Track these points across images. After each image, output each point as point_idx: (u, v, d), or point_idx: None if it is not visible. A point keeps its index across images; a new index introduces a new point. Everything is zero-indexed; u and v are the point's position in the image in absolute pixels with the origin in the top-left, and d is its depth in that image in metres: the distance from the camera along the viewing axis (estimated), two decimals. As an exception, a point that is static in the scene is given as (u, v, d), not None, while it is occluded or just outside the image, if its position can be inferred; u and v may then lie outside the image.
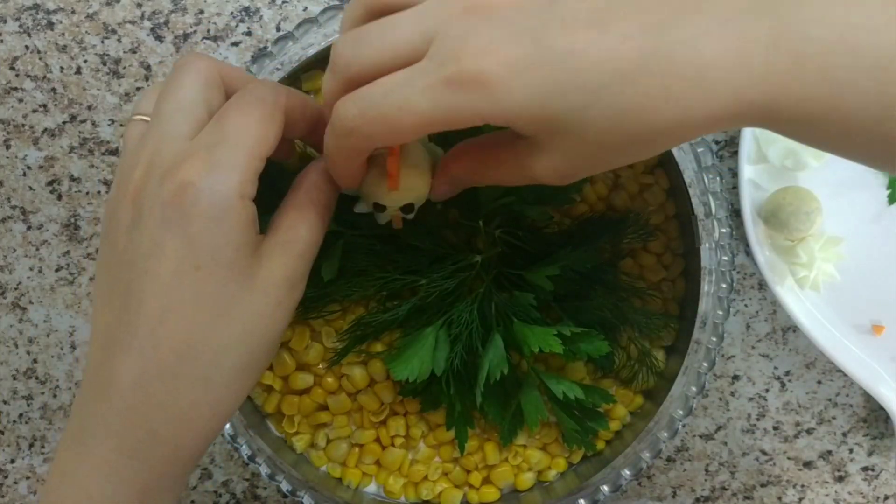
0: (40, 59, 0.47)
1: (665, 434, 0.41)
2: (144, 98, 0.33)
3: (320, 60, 0.43)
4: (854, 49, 0.24)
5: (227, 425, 0.41)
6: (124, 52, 0.47)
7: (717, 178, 0.41)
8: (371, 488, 0.44)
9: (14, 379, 0.48)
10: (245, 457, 0.41)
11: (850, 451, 0.48)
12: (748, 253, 0.47)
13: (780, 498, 0.48)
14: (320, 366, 0.43)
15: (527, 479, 0.44)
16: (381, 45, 0.27)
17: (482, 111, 0.26)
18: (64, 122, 0.47)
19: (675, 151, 0.41)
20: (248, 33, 0.47)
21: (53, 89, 0.47)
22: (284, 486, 0.41)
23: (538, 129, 0.27)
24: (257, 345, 0.30)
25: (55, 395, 0.48)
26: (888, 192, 0.45)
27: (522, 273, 0.40)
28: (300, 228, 0.31)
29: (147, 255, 0.29)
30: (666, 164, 0.43)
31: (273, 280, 0.30)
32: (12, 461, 0.49)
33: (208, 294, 0.29)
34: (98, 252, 0.37)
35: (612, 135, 0.26)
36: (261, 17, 0.47)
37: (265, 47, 0.42)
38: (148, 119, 0.32)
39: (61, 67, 0.47)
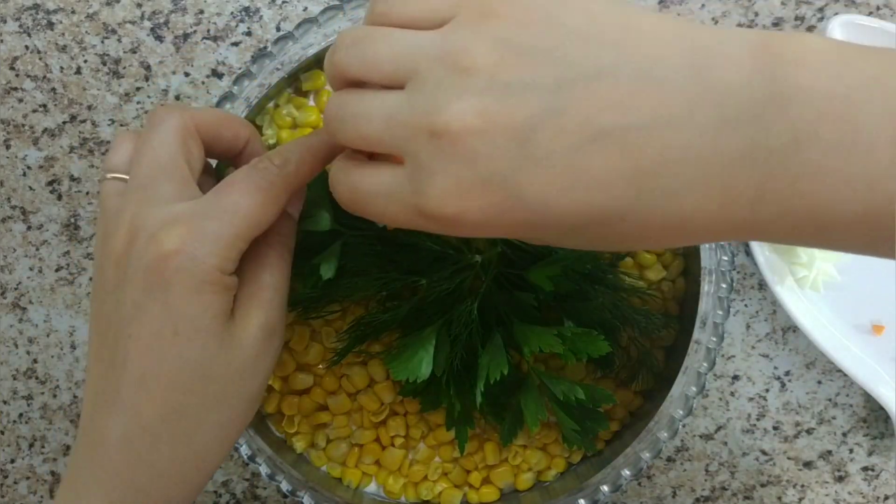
0: (40, 59, 0.47)
1: (665, 434, 0.41)
2: (114, 153, 0.32)
3: (320, 60, 0.43)
4: (849, 203, 0.22)
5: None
6: (124, 52, 0.47)
7: None
8: (371, 488, 0.44)
9: (14, 379, 0.48)
10: (245, 457, 0.41)
11: (850, 451, 0.48)
12: (748, 253, 0.47)
13: (780, 498, 0.48)
14: (320, 366, 0.43)
15: (526, 479, 0.44)
16: (355, 132, 0.27)
17: (456, 235, 0.26)
18: (64, 122, 0.47)
19: None
20: (248, 33, 0.47)
21: (53, 89, 0.47)
22: (284, 486, 0.41)
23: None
24: (238, 400, 0.31)
25: (55, 395, 0.48)
26: None
27: (523, 273, 0.40)
28: (264, 276, 0.32)
29: (130, 318, 0.29)
30: None
31: (249, 335, 0.30)
32: (12, 461, 0.49)
33: (187, 358, 0.29)
34: (90, 305, 0.36)
35: (588, 250, 0.28)
36: (261, 17, 0.47)
37: (265, 47, 0.42)
38: (123, 177, 0.32)
39: (61, 67, 0.47)
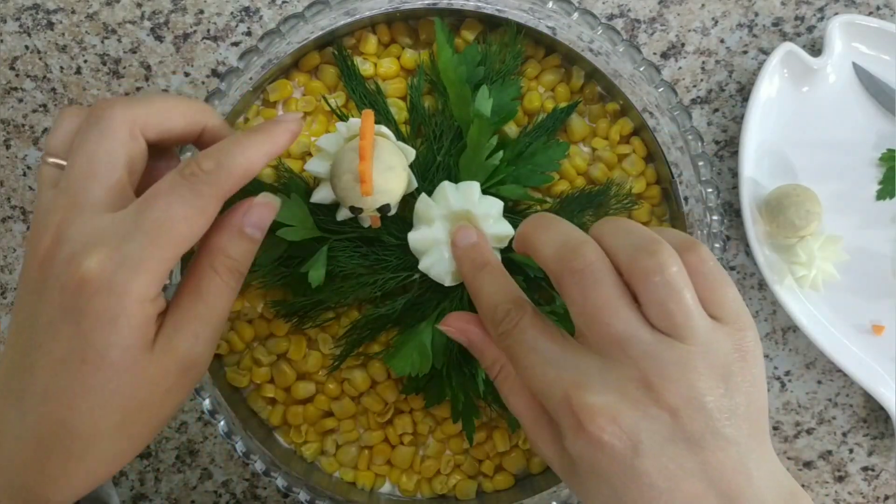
0: (40, 59, 0.47)
1: None
2: (56, 133, 0.30)
3: (285, 69, 0.43)
4: None
5: (239, 441, 0.41)
6: (124, 52, 0.47)
7: (696, 141, 0.41)
8: (385, 489, 0.44)
9: (14, 379, 0.48)
10: (260, 472, 0.41)
11: (850, 451, 0.48)
12: (748, 253, 0.47)
13: (780, 498, 0.48)
14: (320, 373, 0.43)
15: (540, 461, 0.44)
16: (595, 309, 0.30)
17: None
18: (64, 122, 0.47)
19: (648, 118, 0.41)
20: (248, 33, 0.47)
21: (53, 89, 0.47)
22: (303, 497, 0.41)
23: None
24: (139, 429, 0.30)
25: (55, 395, 0.48)
26: (878, 187, 0.45)
27: (509, 255, 0.40)
28: (198, 306, 0.30)
29: (44, 330, 0.28)
30: (641, 131, 0.43)
31: (163, 369, 0.29)
32: (12, 461, 0.49)
33: (91, 386, 0.28)
34: (17, 283, 0.34)
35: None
36: (261, 17, 0.47)
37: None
38: (61, 164, 0.30)
39: (61, 67, 0.47)
